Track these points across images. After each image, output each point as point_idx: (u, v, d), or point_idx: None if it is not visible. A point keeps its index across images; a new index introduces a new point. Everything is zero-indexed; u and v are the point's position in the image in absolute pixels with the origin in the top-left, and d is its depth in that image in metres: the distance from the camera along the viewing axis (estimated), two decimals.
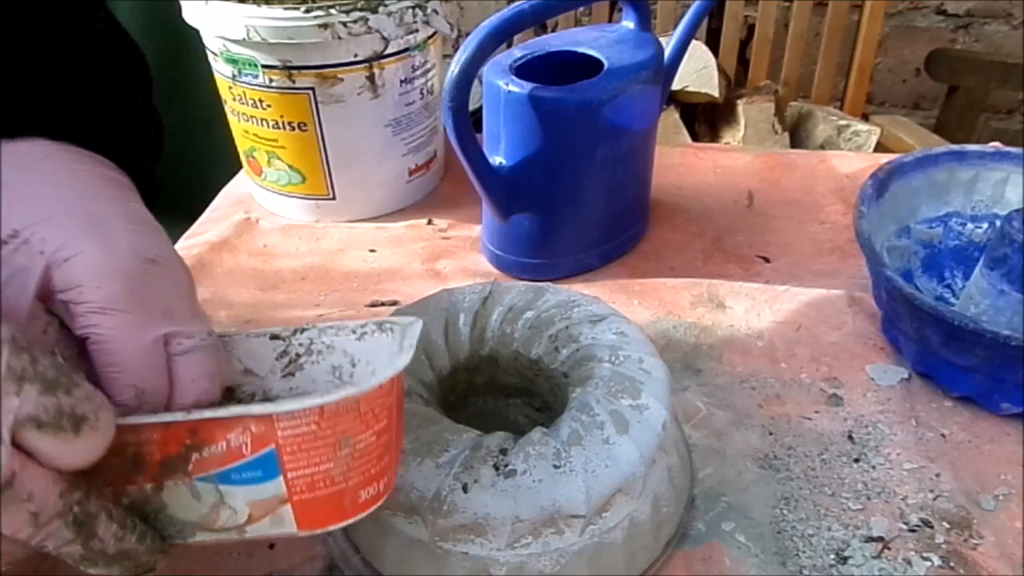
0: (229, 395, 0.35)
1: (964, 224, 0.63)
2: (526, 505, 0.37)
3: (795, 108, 1.34)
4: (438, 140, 0.78)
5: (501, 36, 0.55)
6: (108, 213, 0.29)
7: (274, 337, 0.35)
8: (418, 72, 0.71)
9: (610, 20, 1.38)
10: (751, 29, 1.39)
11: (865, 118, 1.34)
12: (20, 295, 0.28)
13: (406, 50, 0.69)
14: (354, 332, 0.34)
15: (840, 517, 0.46)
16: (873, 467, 0.49)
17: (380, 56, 0.67)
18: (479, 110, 0.63)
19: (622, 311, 0.49)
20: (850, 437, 0.51)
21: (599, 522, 0.39)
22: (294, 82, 0.66)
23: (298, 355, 0.35)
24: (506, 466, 0.38)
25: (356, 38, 0.64)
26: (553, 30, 1.36)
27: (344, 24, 0.63)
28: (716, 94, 1.23)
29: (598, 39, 0.64)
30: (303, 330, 0.35)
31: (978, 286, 0.55)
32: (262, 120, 0.69)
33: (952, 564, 0.43)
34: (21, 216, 0.28)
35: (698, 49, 1.23)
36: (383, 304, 0.64)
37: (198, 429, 0.28)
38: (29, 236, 0.28)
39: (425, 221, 0.75)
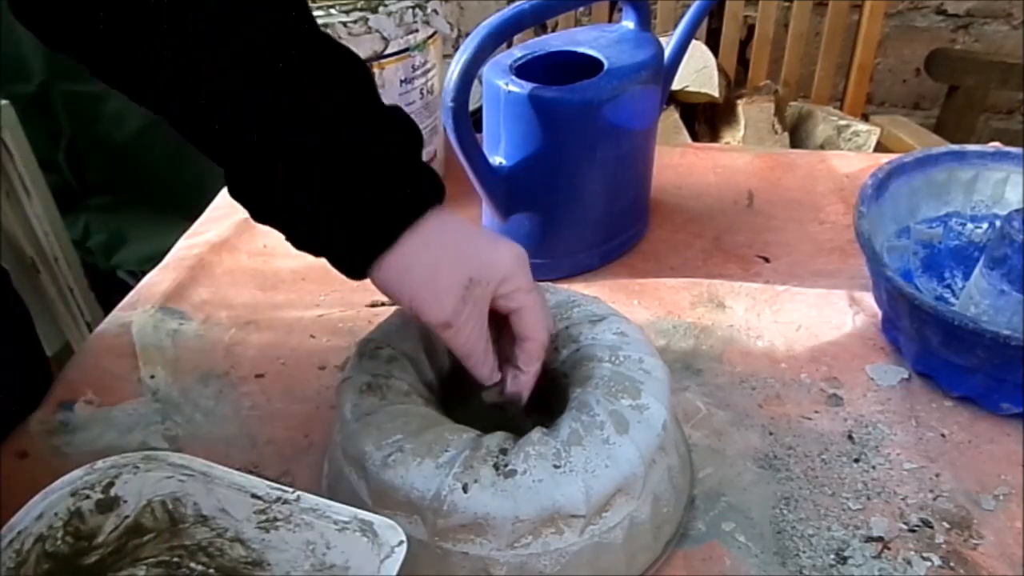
0: (203, 521, 0.37)
1: (964, 224, 0.63)
2: (526, 505, 0.37)
3: (795, 108, 1.34)
4: (438, 140, 0.78)
5: (501, 36, 0.55)
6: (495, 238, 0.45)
7: (255, 497, 0.36)
8: (418, 72, 0.71)
9: (610, 20, 1.38)
10: (751, 29, 1.39)
11: (865, 118, 1.34)
12: (483, 307, 0.42)
13: (406, 50, 0.68)
14: (335, 524, 0.35)
15: (840, 517, 0.46)
16: (873, 467, 0.49)
17: (380, 56, 0.67)
18: (479, 110, 0.63)
19: (622, 311, 0.49)
20: (850, 437, 0.51)
21: (599, 522, 0.39)
22: None
23: (276, 519, 0.36)
24: (506, 466, 0.38)
25: (356, 38, 0.64)
26: (553, 30, 1.36)
27: (344, 24, 0.63)
28: (716, 94, 1.22)
29: (598, 39, 0.64)
30: (286, 500, 0.36)
31: (978, 286, 0.55)
32: None
33: (952, 564, 0.43)
34: (472, 267, 0.41)
35: (698, 49, 1.22)
36: (383, 304, 0.64)
37: None
38: (479, 278, 0.41)
39: None
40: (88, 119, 1.43)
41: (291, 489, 0.36)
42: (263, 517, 0.36)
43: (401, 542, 0.33)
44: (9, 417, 0.53)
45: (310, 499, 0.36)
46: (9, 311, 0.56)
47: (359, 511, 0.35)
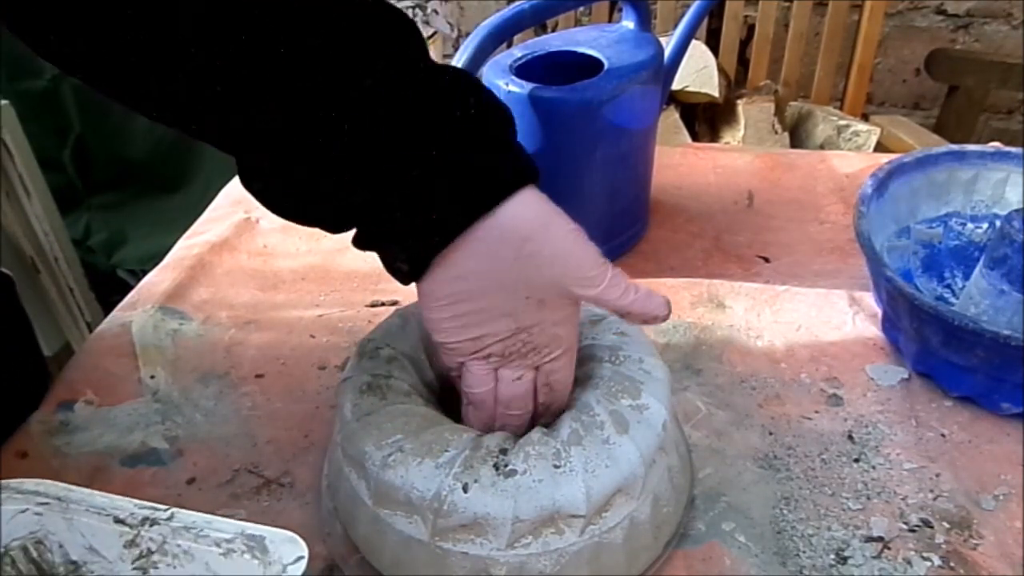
0: (75, 570, 0.32)
1: (964, 224, 0.63)
2: (526, 505, 0.37)
3: (795, 108, 1.34)
4: None
5: (501, 36, 0.55)
6: None
7: (120, 522, 0.31)
8: None
9: (610, 20, 1.38)
10: (751, 29, 1.39)
11: (865, 118, 1.34)
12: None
13: None
14: (218, 545, 0.30)
15: (840, 517, 0.46)
16: (873, 467, 0.49)
17: None
18: None
19: None
20: (850, 437, 0.51)
21: (599, 522, 0.39)
22: None
23: (150, 551, 0.31)
24: (506, 466, 0.38)
25: None
26: (553, 30, 1.36)
27: None
28: (716, 94, 1.22)
29: (598, 39, 0.64)
30: (155, 521, 0.31)
31: (978, 286, 0.55)
32: None
33: (952, 564, 0.43)
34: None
35: (698, 49, 1.22)
36: (383, 304, 0.64)
37: None
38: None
39: None
40: (99, 113, 1.43)
41: (162, 506, 0.32)
42: (136, 552, 0.31)
43: (299, 558, 0.30)
44: (6, 419, 0.53)
45: (185, 516, 0.31)
46: (12, 318, 0.56)
47: (247, 525, 0.31)
